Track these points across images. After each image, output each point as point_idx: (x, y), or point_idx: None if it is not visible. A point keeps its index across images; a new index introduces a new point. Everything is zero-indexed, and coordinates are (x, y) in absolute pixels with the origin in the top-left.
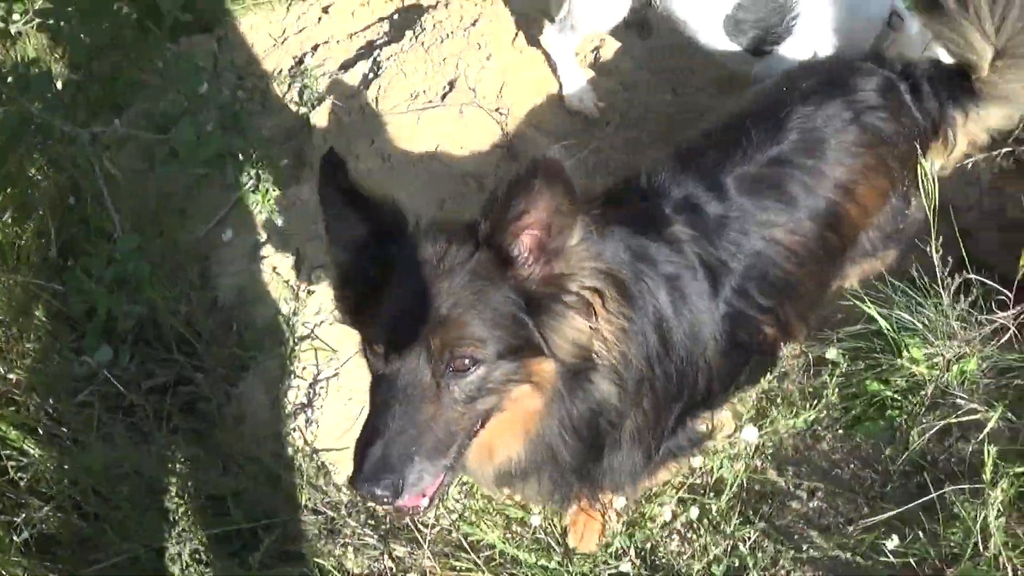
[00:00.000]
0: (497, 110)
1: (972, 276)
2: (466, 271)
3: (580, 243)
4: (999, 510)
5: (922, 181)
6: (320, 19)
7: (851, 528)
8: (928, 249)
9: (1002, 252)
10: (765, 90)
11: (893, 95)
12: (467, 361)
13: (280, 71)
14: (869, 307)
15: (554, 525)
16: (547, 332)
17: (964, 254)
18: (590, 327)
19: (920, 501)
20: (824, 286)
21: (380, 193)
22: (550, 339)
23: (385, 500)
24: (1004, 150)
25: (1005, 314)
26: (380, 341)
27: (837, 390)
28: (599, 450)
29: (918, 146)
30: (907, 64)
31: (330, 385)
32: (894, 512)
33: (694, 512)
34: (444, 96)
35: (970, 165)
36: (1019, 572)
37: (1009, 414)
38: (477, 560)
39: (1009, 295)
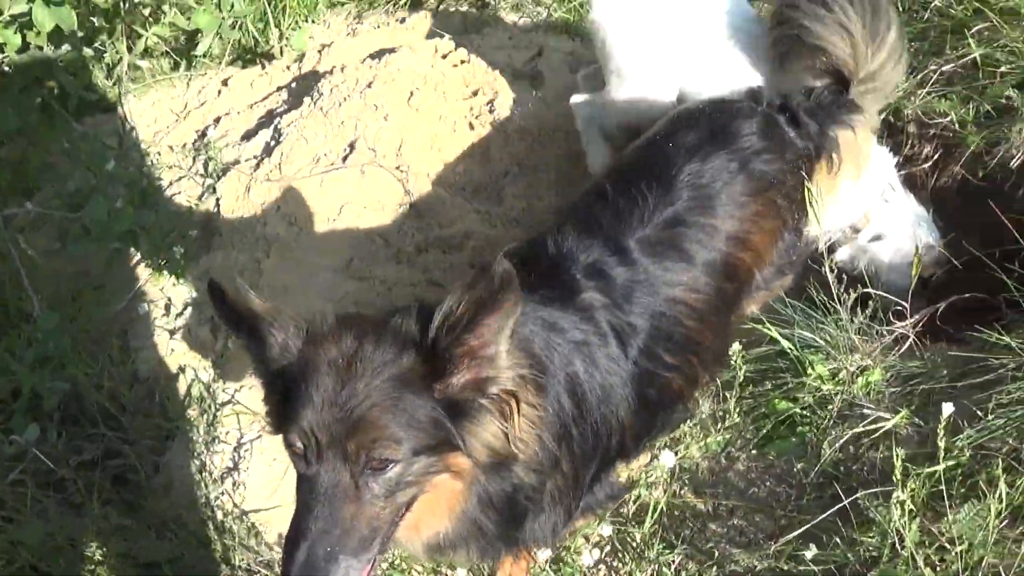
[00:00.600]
0: (398, 168)
1: (868, 289)
2: (386, 373)
3: (506, 345)
4: (911, 511)
5: (811, 205)
6: (220, 91)
7: (772, 543)
8: (823, 269)
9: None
10: (652, 144)
11: (775, 133)
12: (383, 461)
13: (184, 144)
14: (770, 330)
15: (482, 569)
16: (465, 435)
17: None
18: (504, 431)
19: (834, 510)
20: (726, 333)
21: (268, 306)
22: (467, 441)
23: None
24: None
25: (903, 323)
26: (298, 445)
27: (746, 411)
28: (521, 518)
29: (805, 175)
30: (783, 96)
31: (254, 447)
32: (812, 523)
33: (618, 542)
34: (345, 158)
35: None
36: (937, 568)
37: (915, 419)
38: None
39: (905, 305)
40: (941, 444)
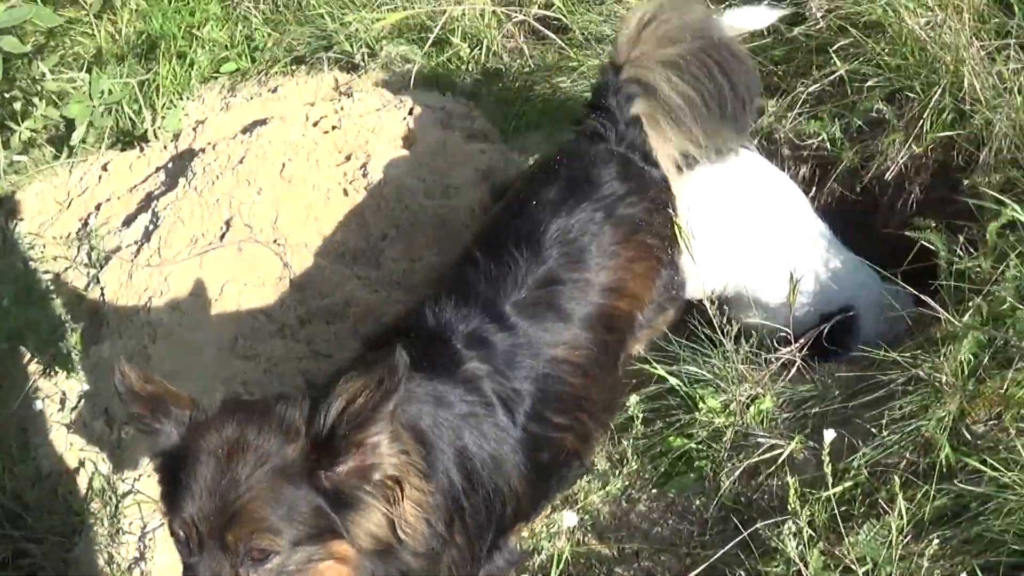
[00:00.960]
0: (275, 241)
1: (750, 320)
2: (268, 463)
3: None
4: (811, 536)
5: (681, 238)
6: (101, 177)
7: None
8: (703, 301)
9: None
10: (515, 204)
11: (633, 172)
12: (263, 552)
13: (68, 234)
14: (657, 368)
15: None
16: (349, 524)
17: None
18: (389, 518)
19: (736, 542)
20: (614, 382)
21: (157, 387)
22: (351, 530)
23: None
24: None
25: (788, 349)
26: (180, 534)
27: (642, 451)
28: None
29: (670, 209)
30: (622, 133)
31: (157, 536)
32: (715, 557)
33: None
34: (222, 236)
35: None
36: None
37: (810, 443)
38: None
39: (788, 331)
40: (828, 470)
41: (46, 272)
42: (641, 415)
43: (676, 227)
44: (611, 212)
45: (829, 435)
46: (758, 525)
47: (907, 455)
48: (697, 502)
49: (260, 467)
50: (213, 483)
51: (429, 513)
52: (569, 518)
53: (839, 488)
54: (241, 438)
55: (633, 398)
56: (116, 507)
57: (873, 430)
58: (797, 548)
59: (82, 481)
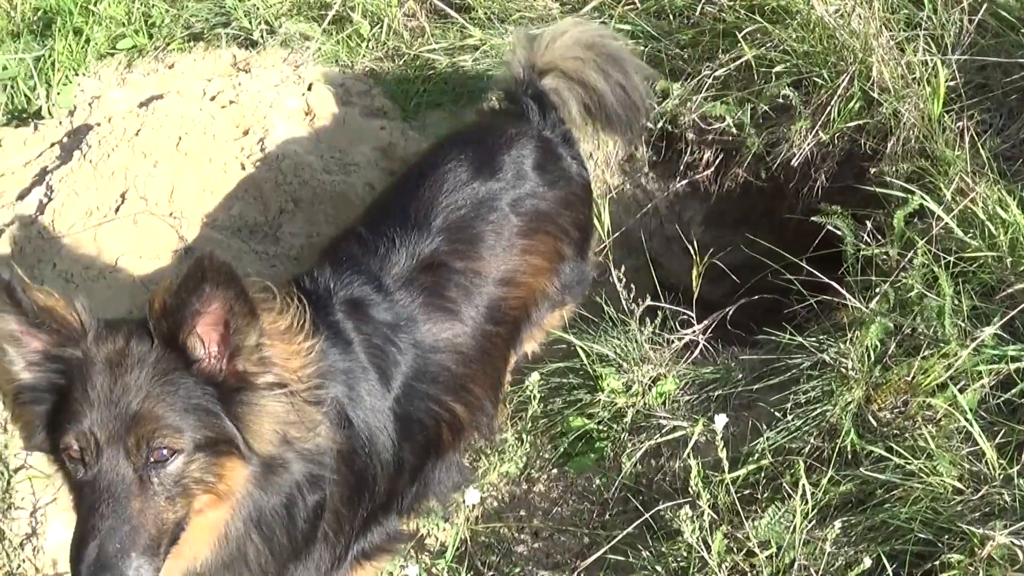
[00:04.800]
0: (171, 214)
1: (653, 302)
2: (149, 365)
3: (260, 344)
4: (713, 519)
5: (597, 217)
6: None
7: (579, 561)
8: (610, 277)
9: (688, 273)
10: (411, 178)
11: (551, 162)
12: (165, 452)
13: None
14: (569, 335)
15: None
16: (243, 422)
17: (654, 279)
18: (281, 423)
19: (638, 523)
20: (498, 373)
21: (51, 300)
22: (247, 429)
23: None
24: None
25: (692, 329)
26: (75, 447)
27: (541, 431)
28: (291, 553)
29: (586, 196)
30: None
31: (49, 511)
32: (617, 539)
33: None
34: (117, 209)
35: (643, 194)
36: (747, 573)
37: (712, 426)
38: None
39: (690, 313)
40: (723, 455)
41: None
42: (539, 394)
43: (588, 223)
44: (516, 204)
45: (720, 420)
46: (660, 507)
47: (812, 440)
48: (598, 482)
49: (145, 370)
50: (108, 391)
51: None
52: (472, 495)
53: (741, 472)
54: (126, 347)
55: (534, 376)
56: (8, 482)
57: (777, 414)
58: (699, 531)
59: None
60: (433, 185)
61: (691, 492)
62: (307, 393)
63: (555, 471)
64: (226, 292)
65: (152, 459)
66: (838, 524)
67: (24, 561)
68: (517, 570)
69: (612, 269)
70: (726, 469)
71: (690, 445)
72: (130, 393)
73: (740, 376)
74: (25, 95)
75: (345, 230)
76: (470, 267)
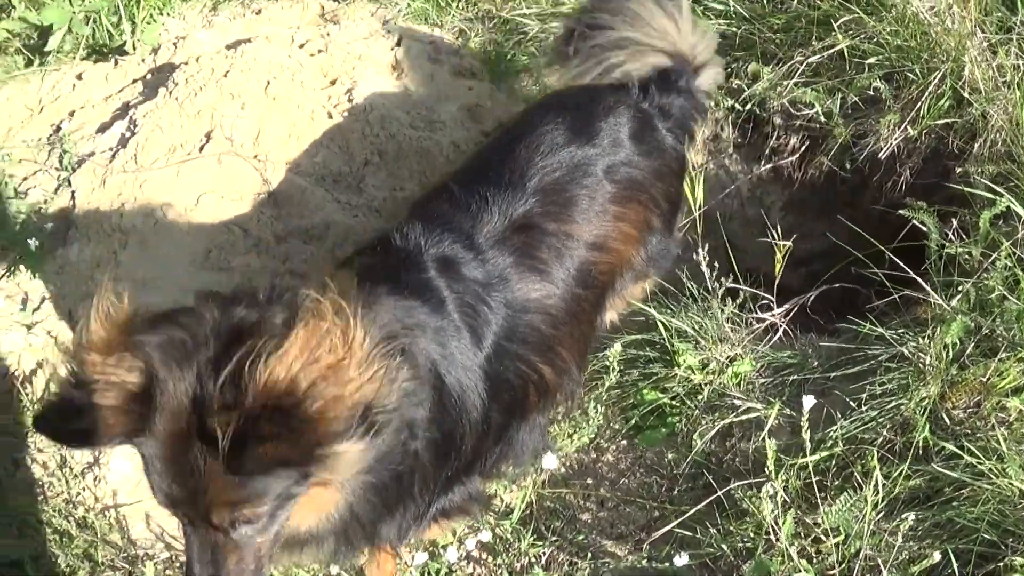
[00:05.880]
0: (255, 157)
1: (733, 285)
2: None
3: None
4: (785, 502)
5: (689, 194)
6: (75, 86)
7: (644, 534)
8: (695, 256)
9: (765, 258)
10: (509, 138)
11: (648, 133)
12: (251, 518)
13: (39, 139)
14: (649, 308)
15: (353, 566)
16: (319, 472)
17: (732, 261)
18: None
19: (707, 501)
20: (585, 338)
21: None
22: (326, 472)
23: None
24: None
25: (774, 312)
26: (168, 511)
27: (614, 401)
28: (380, 514)
29: (677, 176)
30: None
31: None
32: (685, 515)
33: (485, 535)
34: (202, 148)
35: (726, 175)
36: (813, 560)
37: (787, 410)
38: None
39: (771, 298)
40: (806, 436)
41: (11, 175)
42: (618, 366)
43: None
44: (611, 170)
45: (809, 401)
46: (732, 485)
47: (884, 432)
48: (671, 456)
49: (212, 443)
50: (175, 470)
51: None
52: (549, 460)
53: (815, 457)
54: (188, 418)
55: (616, 346)
56: None
57: (852, 403)
58: (774, 512)
59: (38, 383)
60: (529, 146)
61: (765, 473)
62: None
63: (624, 443)
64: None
65: (239, 523)
66: (912, 517)
67: (84, 490)
68: (581, 537)
69: (699, 244)
70: (808, 451)
71: (766, 428)
72: (200, 474)
73: (816, 363)
74: (108, 31)
75: (436, 187)
76: (562, 229)
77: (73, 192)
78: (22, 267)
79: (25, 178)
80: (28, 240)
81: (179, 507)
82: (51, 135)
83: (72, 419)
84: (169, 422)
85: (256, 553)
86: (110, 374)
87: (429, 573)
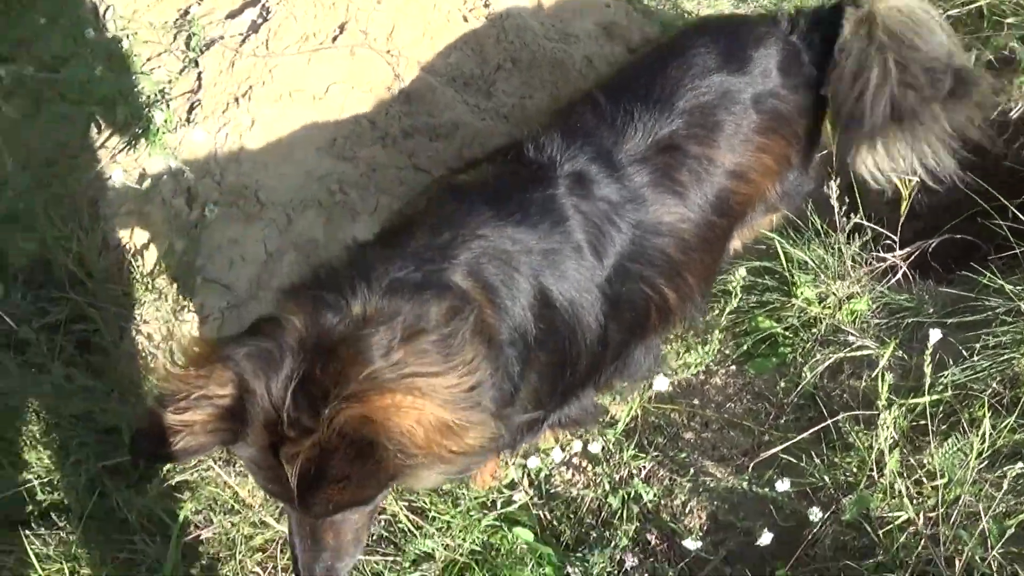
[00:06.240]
0: (388, 52)
1: (860, 221)
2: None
3: None
4: (893, 439)
5: (828, 128)
6: None
7: (747, 459)
8: (825, 188)
9: (886, 206)
10: (658, 57)
11: (795, 68)
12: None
13: (165, 22)
14: (773, 237)
15: None
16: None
17: (859, 200)
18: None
19: (816, 429)
20: (713, 266)
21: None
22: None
23: None
24: None
25: (896, 254)
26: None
27: (727, 326)
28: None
29: (820, 115)
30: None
31: (224, 318)
32: (790, 441)
33: (596, 446)
34: (335, 38)
35: None
36: (914, 499)
37: (899, 351)
38: None
39: (895, 238)
40: (927, 370)
41: (137, 55)
42: (740, 292)
43: (818, 135)
44: (758, 100)
45: (935, 335)
46: (841, 416)
47: (994, 384)
48: (783, 384)
49: (314, 450)
50: (271, 474)
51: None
52: (661, 382)
53: (925, 399)
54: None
55: (741, 270)
56: (184, 286)
57: (964, 352)
58: (882, 445)
59: (151, 257)
60: (680, 66)
61: (881, 406)
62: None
63: (733, 368)
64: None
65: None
66: (1020, 466)
67: None
68: (683, 455)
69: (831, 177)
70: (926, 388)
71: (879, 367)
72: (305, 478)
73: (932, 309)
74: None
75: (580, 96)
76: (706, 153)
77: (200, 73)
78: (143, 142)
79: (149, 59)
80: (153, 116)
81: (278, 499)
82: (177, 19)
83: (165, 440)
84: (259, 434)
85: (354, 527)
86: (202, 388)
87: (529, 473)
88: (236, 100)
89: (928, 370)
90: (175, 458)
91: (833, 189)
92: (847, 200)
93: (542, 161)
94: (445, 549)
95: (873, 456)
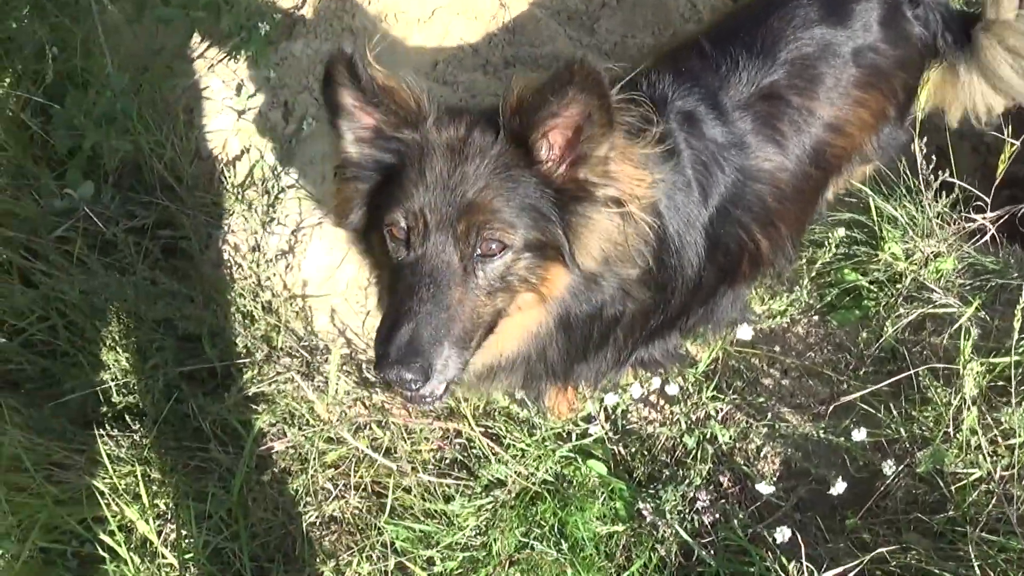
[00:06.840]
0: None
1: (951, 179)
2: (491, 157)
3: (608, 158)
4: (972, 396)
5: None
6: None
7: (824, 408)
8: (913, 147)
9: (975, 172)
10: (760, 6)
11: (896, 21)
12: (495, 245)
13: None
14: (864, 190)
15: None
16: (574, 232)
17: (951, 159)
18: (610, 238)
19: (893, 380)
20: (805, 217)
21: (392, 80)
22: (577, 240)
23: (413, 385)
24: None
25: (986, 216)
26: (402, 223)
27: (812, 276)
28: (583, 351)
29: (919, 71)
30: None
31: (313, 234)
32: (868, 390)
33: (672, 388)
34: None
35: None
36: (989, 457)
37: (982, 312)
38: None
39: (986, 199)
40: (1017, 325)
41: None
42: (835, 248)
43: (915, 90)
44: (858, 54)
45: None
46: (921, 368)
47: None
48: (864, 335)
49: (487, 161)
50: (445, 177)
51: (644, 245)
52: (744, 331)
53: (1006, 359)
54: (468, 135)
55: (840, 230)
56: (275, 198)
57: None
58: (969, 393)
59: (243, 168)
60: (783, 17)
61: (962, 362)
62: (640, 226)
63: (816, 318)
64: (589, 99)
65: (480, 251)
66: None
67: (274, 275)
68: (761, 400)
69: (918, 135)
70: (1012, 347)
71: (961, 323)
72: (467, 182)
73: (1016, 274)
74: None
75: (683, 42)
76: (806, 105)
77: None
78: (242, 53)
79: None
80: (257, 27)
81: (429, 212)
82: None
83: (356, 86)
84: (449, 131)
85: (474, 312)
86: (392, 90)
87: (606, 408)
88: (339, 16)
89: (1017, 326)
90: (364, 91)
91: (921, 148)
92: (934, 159)
93: (654, 96)
94: (518, 476)
95: (951, 412)
